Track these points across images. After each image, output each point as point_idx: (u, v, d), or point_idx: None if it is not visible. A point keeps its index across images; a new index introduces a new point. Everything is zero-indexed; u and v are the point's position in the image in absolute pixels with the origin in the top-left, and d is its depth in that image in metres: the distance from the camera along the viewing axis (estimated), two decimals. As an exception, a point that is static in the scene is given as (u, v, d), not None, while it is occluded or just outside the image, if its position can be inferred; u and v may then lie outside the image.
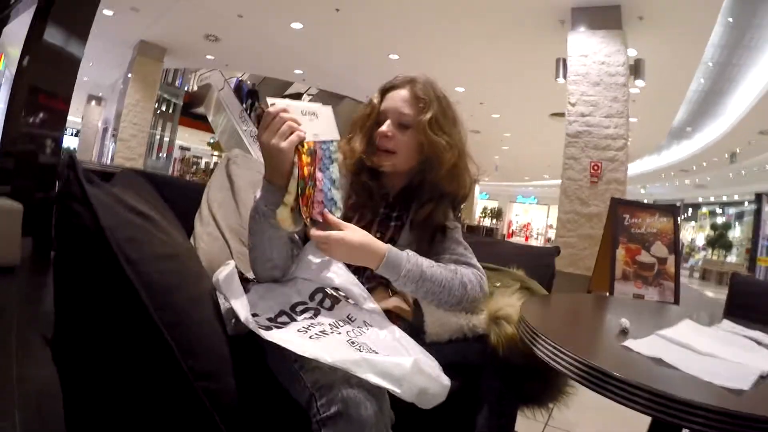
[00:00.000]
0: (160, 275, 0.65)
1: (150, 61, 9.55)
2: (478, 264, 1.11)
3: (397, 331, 0.90)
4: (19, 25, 4.79)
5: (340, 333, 0.82)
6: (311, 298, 0.93)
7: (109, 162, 9.88)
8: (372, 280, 1.09)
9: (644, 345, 0.80)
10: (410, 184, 1.16)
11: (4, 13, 5.81)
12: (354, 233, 0.92)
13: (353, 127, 1.17)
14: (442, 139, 1.08)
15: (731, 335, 0.99)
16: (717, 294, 9.76)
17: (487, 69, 8.25)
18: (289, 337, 0.77)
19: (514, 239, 24.59)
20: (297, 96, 14.22)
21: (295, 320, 0.85)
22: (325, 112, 0.96)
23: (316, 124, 0.91)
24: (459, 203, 1.20)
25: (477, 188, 23.29)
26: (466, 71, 8.43)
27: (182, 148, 18.63)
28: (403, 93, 1.11)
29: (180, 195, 1.34)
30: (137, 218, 0.70)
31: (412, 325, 1.05)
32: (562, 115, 5.53)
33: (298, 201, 0.85)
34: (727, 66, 7.65)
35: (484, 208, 26.24)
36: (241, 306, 0.79)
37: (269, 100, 0.85)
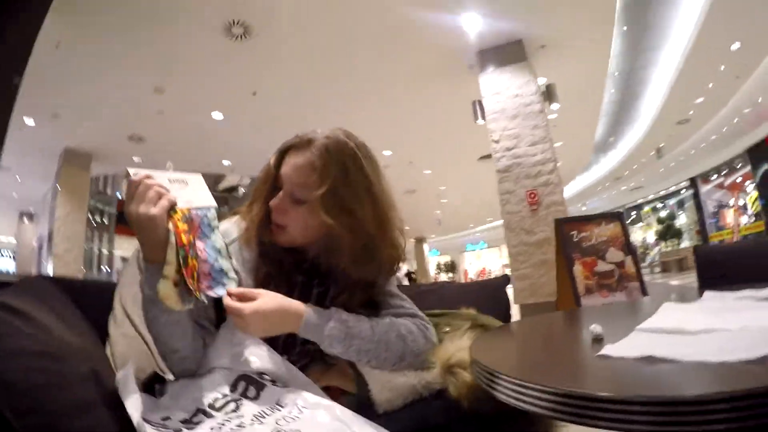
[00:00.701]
0: (24, 373, 0.58)
1: (77, 170, 9.27)
2: (419, 312, 1.00)
3: (338, 409, 0.76)
4: None
5: (263, 424, 0.71)
6: (233, 388, 0.81)
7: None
8: (304, 356, 0.97)
9: (625, 347, 0.65)
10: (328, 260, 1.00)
11: None
12: (267, 300, 0.83)
13: (254, 192, 1.04)
14: (339, 220, 0.90)
15: (720, 303, 0.87)
16: (683, 280, 9.94)
17: (408, 126, 8.52)
18: None
19: None
20: (232, 189, 14.10)
21: (212, 416, 0.75)
22: (195, 179, 0.89)
23: (186, 191, 0.84)
24: (384, 278, 1.03)
25: (426, 246, 23.80)
26: (388, 133, 8.64)
27: (123, 259, 17.90)
28: (298, 160, 0.93)
29: (96, 299, 1.19)
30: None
31: (358, 397, 0.88)
32: (489, 156, 5.78)
33: (182, 273, 0.76)
34: (632, 71, 8.23)
35: (438, 264, 26.46)
36: (133, 408, 0.69)
37: (130, 170, 0.78)
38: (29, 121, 7.56)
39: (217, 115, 7.90)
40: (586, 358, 0.73)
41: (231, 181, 14.28)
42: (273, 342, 0.88)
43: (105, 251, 14.39)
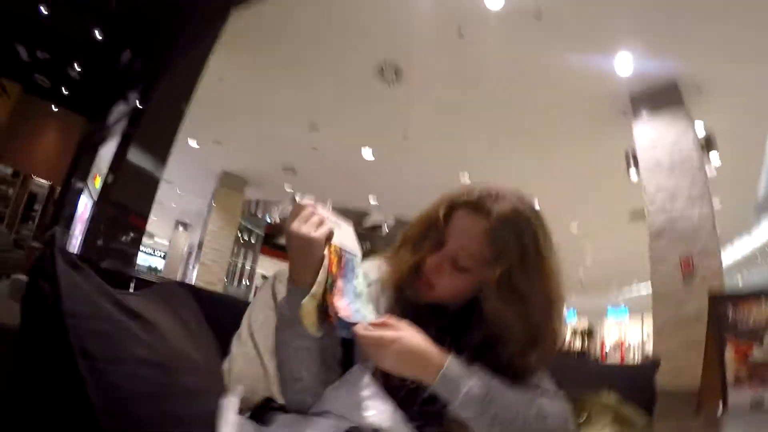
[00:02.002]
0: (128, 380, 0.56)
1: (232, 192, 10.34)
2: (560, 392, 0.87)
3: None
4: (111, 148, 5.41)
5: None
6: None
7: (191, 286, 10.33)
8: (420, 417, 0.86)
9: None
10: (473, 307, 0.89)
11: (99, 136, 6.63)
12: (413, 336, 0.75)
13: (404, 238, 0.96)
14: (510, 308, 0.81)
15: None
16: None
17: (556, 176, 8.15)
18: None
19: (608, 362, 22.58)
20: (376, 228, 14.62)
21: None
22: (347, 226, 0.91)
23: (339, 232, 0.85)
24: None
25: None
26: (534, 183, 8.36)
27: (264, 277, 19.38)
28: (474, 225, 0.84)
29: (226, 314, 1.20)
30: (119, 313, 0.63)
31: None
32: (641, 214, 5.23)
33: (326, 297, 0.77)
34: None
35: (574, 330, 24.92)
36: None
37: (297, 196, 0.79)
38: (193, 143, 8.62)
39: (367, 154, 8.26)
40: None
41: (376, 220, 14.79)
42: (390, 395, 0.80)
43: (248, 267, 15.60)
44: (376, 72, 5.85)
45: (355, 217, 15.99)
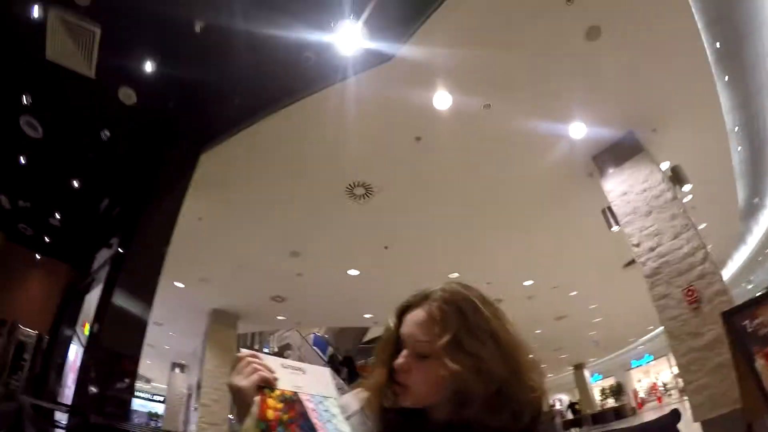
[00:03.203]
0: None
1: (224, 328, 10.10)
2: None
3: None
4: (97, 294, 5.33)
5: None
6: None
7: (193, 428, 9.77)
8: None
9: None
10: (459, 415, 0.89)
11: (84, 283, 6.52)
12: None
13: (375, 358, 1.01)
14: (465, 364, 0.84)
15: None
16: None
17: (544, 251, 8.29)
18: None
19: (647, 408, 21.53)
20: (376, 340, 14.44)
21: None
22: (317, 371, 0.94)
23: (300, 377, 0.88)
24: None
25: (587, 372, 21.74)
26: (525, 264, 8.59)
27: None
28: (418, 314, 0.93)
29: None
30: None
31: None
32: (634, 262, 5.26)
33: None
34: (751, 120, 7.37)
35: (602, 389, 23.92)
36: None
37: (242, 351, 0.86)
38: (180, 285, 8.53)
39: (353, 272, 8.31)
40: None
41: (375, 333, 14.72)
42: None
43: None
44: (346, 192, 6.06)
45: (355, 334, 15.67)
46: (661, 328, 4.87)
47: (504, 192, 6.34)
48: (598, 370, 24.80)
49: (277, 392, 0.81)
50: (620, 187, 5.41)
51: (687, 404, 4.45)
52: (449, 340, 0.86)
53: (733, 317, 3.04)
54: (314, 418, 0.82)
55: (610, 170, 5.58)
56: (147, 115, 4.77)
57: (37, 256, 7.82)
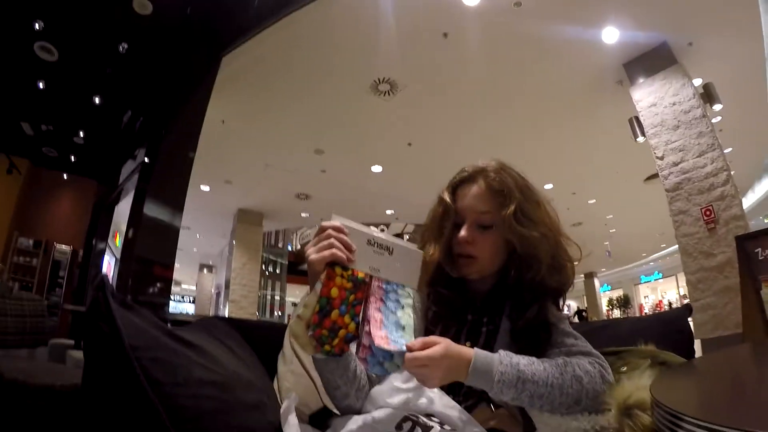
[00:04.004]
0: (193, 400, 0.61)
1: (250, 227, 10.46)
2: (594, 350, 0.91)
3: None
4: (126, 205, 5.54)
5: None
6: (398, 428, 0.79)
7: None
8: (470, 396, 0.92)
9: None
10: (500, 284, 1.01)
11: (113, 196, 6.81)
12: (435, 348, 0.77)
13: (424, 234, 1.06)
14: (533, 231, 0.94)
15: None
16: None
17: (566, 156, 8.14)
18: None
19: None
20: (398, 237, 14.69)
21: None
22: (406, 254, 0.84)
23: (380, 259, 0.81)
24: (563, 295, 1.04)
25: (596, 282, 22.14)
26: (547, 166, 8.40)
27: (294, 304, 19.48)
28: (476, 188, 1.00)
29: (266, 338, 1.29)
30: (174, 342, 0.68)
31: None
32: (656, 176, 5.19)
33: (325, 319, 0.75)
34: None
35: (609, 300, 24.49)
36: None
37: (336, 218, 0.79)
38: (205, 188, 8.74)
39: (376, 168, 8.36)
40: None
41: (396, 230, 14.99)
42: None
43: (277, 297, 15.77)
44: (370, 89, 5.93)
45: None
46: (674, 247, 4.93)
47: (530, 93, 6.16)
48: (608, 281, 25.24)
49: (349, 272, 0.77)
50: (649, 97, 5.22)
51: (691, 325, 4.59)
52: (515, 209, 0.95)
53: (746, 242, 3.03)
54: (374, 309, 0.78)
55: (641, 80, 5.36)
56: (164, 23, 4.65)
57: (65, 176, 8.09)
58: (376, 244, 0.81)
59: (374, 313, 0.78)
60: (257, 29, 4.87)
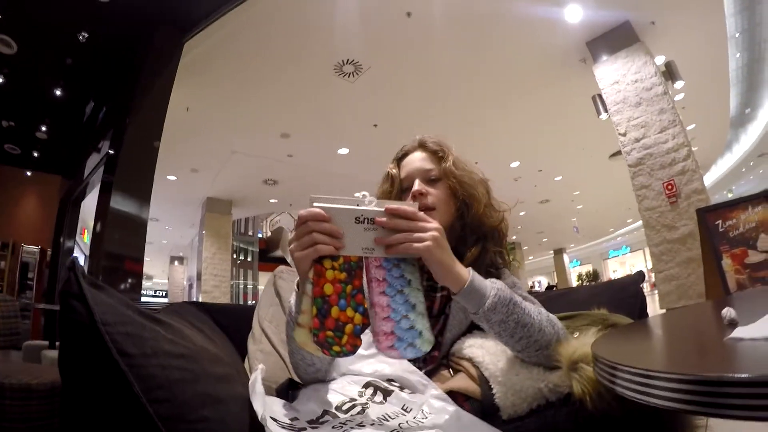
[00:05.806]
0: (161, 369, 0.63)
1: (219, 216, 10.33)
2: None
3: (465, 416, 0.75)
4: (93, 200, 5.42)
5: (384, 427, 0.69)
6: (361, 393, 0.81)
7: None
8: (429, 362, 0.97)
9: (760, 327, 0.57)
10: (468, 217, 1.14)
11: (79, 191, 6.64)
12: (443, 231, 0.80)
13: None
14: (471, 175, 1.14)
15: None
16: None
17: (532, 134, 8.28)
18: None
19: None
20: None
21: (337, 417, 0.74)
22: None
23: (373, 236, 0.74)
24: (501, 243, 1.16)
25: (566, 257, 22.61)
26: (513, 144, 8.56)
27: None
28: (418, 154, 1.18)
29: (235, 320, 1.34)
30: (143, 319, 0.69)
31: (483, 403, 0.82)
32: (620, 152, 5.34)
33: (326, 319, 0.70)
34: (754, 28, 7.14)
35: (579, 275, 25.06)
36: (259, 404, 0.72)
37: (312, 200, 0.73)
38: (172, 177, 8.56)
39: (343, 151, 8.32)
40: (714, 343, 0.63)
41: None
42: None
43: (250, 285, 15.65)
44: (335, 70, 5.89)
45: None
46: (640, 221, 5.09)
47: (495, 71, 6.20)
48: (577, 257, 25.89)
49: (339, 260, 0.71)
50: (612, 75, 5.34)
51: (657, 297, 4.79)
52: (453, 162, 1.13)
53: (707, 215, 3.16)
54: (377, 294, 0.74)
55: (604, 57, 5.48)
56: (125, 10, 4.51)
57: (28, 173, 7.83)
58: (365, 221, 0.74)
59: (379, 299, 0.73)
60: (218, 13, 4.79)
